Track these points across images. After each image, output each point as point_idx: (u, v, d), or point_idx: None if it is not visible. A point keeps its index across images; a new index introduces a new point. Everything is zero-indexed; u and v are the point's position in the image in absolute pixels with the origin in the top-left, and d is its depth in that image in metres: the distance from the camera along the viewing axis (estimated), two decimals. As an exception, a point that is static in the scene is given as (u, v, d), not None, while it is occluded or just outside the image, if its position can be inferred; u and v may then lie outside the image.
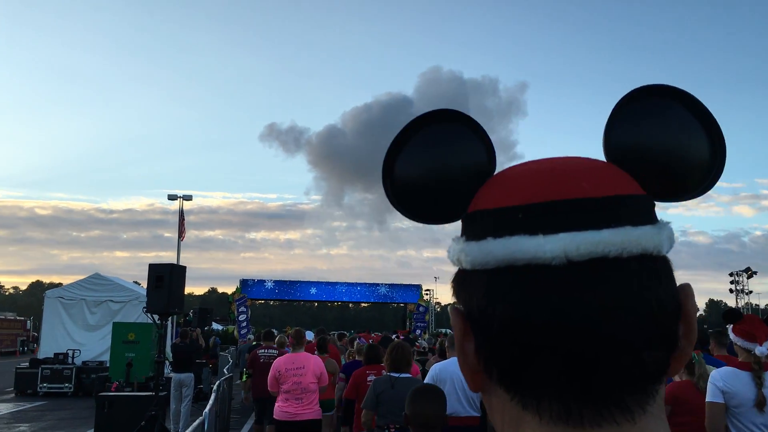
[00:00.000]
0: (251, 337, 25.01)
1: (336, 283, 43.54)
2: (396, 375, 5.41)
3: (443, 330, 37.78)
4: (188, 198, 29.83)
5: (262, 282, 41.24)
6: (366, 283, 43.74)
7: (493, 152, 0.63)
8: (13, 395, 19.11)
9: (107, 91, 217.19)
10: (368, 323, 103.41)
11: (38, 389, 18.75)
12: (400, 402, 3.72)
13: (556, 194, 0.55)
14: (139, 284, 24.93)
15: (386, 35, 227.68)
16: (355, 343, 11.19)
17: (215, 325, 39.53)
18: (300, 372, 7.28)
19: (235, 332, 36.26)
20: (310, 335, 12.43)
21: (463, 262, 0.59)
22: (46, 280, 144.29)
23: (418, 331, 37.08)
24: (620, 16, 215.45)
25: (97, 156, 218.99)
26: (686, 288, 0.58)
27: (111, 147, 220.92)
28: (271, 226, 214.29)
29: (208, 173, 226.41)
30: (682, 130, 0.59)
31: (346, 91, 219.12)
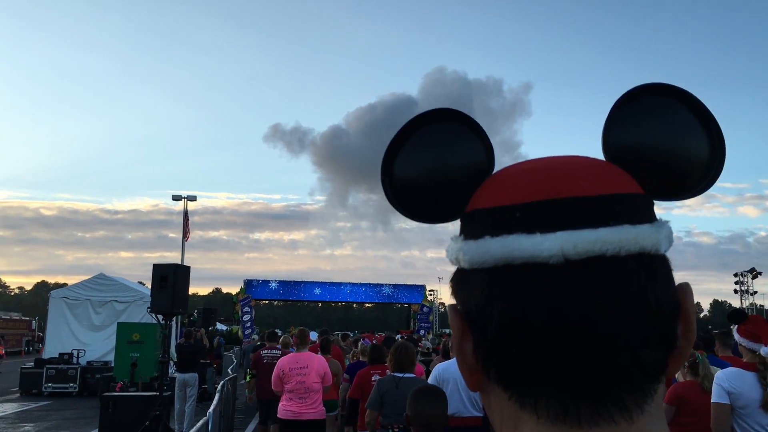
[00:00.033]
0: (255, 337, 25.05)
1: (340, 284, 43.60)
2: (400, 375, 5.42)
3: (447, 330, 37.80)
4: (192, 198, 29.91)
5: (266, 282, 41.33)
6: (370, 284, 43.79)
7: (492, 151, 0.63)
8: (18, 395, 19.17)
9: (111, 92, 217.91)
10: (372, 324, 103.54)
11: (43, 389, 18.81)
12: (404, 402, 3.72)
13: (554, 193, 0.55)
14: (144, 284, 24.95)
15: (390, 36, 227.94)
16: (360, 344, 11.20)
17: (219, 326, 39.63)
18: (304, 371, 7.29)
19: (240, 332, 36.33)
20: (314, 336, 12.44)
21: (461, 261, 0.59)
22: (51, 280, 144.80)
23: (421, 332, 37.08)
24: (625, 16, 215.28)
25: (101, 157, 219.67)
26: (685, 287, 0.58)
27: (115, 148, 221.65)
28: (275, 226, 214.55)
29: (212, 174, 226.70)
30: (681, 129, 0.59)
31: (350, 92, 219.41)
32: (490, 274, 0.56)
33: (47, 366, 19.05)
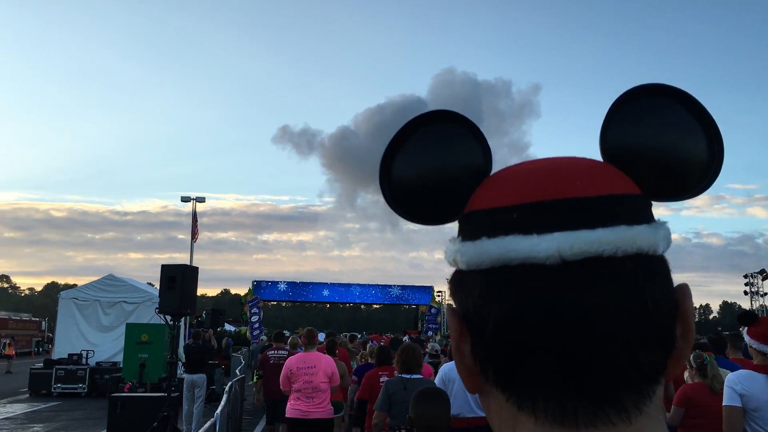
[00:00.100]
0: (264, 338, 25.06)
1: (348, 285, 43.62)
2: (407, 376, 5.44)
3: (455, 332, 37.62)
4: (201, 200, 29.99)
5: (275, 284, 41.42)
6: (378, 285, 43.80)
7: (490, 153, 0.63)
8: (27, 395, 19.27)
9: (121, 94, 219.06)
10: (380, 325, 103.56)
11: (52, 390, 18.91)
12: (411, 403, 3.74)
13: (551, 193, 0.55)
14: (153, 285, 25.06)
15: (399, 37, 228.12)
16: (368, 346, 11.20)
17: (228, 327, 39.76)
18: (311, 371, 7.32)
19: (248, 333, 36.42)
20: (321, 337, 12.45)
21: (459, 262, 0.59)
22: (62, 281, 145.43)
23: (429, 333, 37.09)
24: (634, 17, 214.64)
25: (111, 158, 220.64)
26: (684, 288, 0.58)
27: (125, 149, 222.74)
28: (284, 227, 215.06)
29: (221, 175, 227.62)
30: (680, 130, 0.58)
31: (359, 93, 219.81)
32: (488, 275, 0.56)
33: (56, 367, 19.15)
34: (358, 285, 43.69)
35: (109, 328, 20.75)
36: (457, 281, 0.60)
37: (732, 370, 4.54)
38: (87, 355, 19.62)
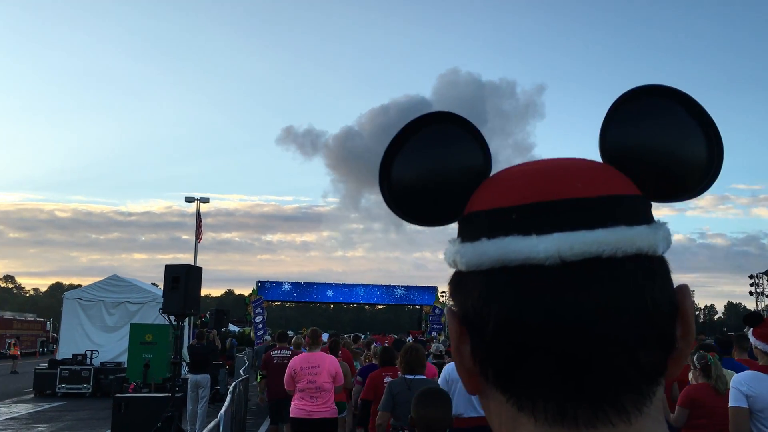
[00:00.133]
0: (268, 338, 25.09)
1: (353, 285, 43.63)
2: (411, 377, 5.45)
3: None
4: (205, 200, 30.08)
5: (279, 284, 41.41)
6: (382, 285, 43.80)
7: (489, 154, 0.63)
8: (32, 396, 19.33)
9: (125, 94, 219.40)
10: (384, 325, 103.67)
11: (57, 390, 18.97)
12: (415, 404, 3.74)
13: (550, 194, 0.55)
14: (157, 286, 25.09)
15: (404, 37, 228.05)
16: (372, 347, 11.22)
17: (232, 327, 39.76)
18: (315, 371, 7.33)
19: (252, 334, 36.42)
20: (325, 338, 12.48)
21: (459, 263, 0.59)
22: (66, 281, 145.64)
23: (433, 333, 37.08)
24: (639, 17, 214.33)
25: (115, 159, 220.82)
26: (684, 289, 0.57)
27: (129, 150, 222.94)
28: (288, 228, 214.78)
29: (224, 176, 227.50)
30: (679, 131, 0.59)
31: (363, 94, 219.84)
32: (487, 276, 0.56)
33: (61, 367, 19.22)
34: (363, 285, 43.67)
35: (114, 329, 20.81)
36: (457, 282, 0.60)
37: (738, 371, 4.53)
38: (91, 355, 19.68)
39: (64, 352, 20.48)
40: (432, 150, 0.62)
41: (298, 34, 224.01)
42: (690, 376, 5.20)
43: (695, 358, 4.96)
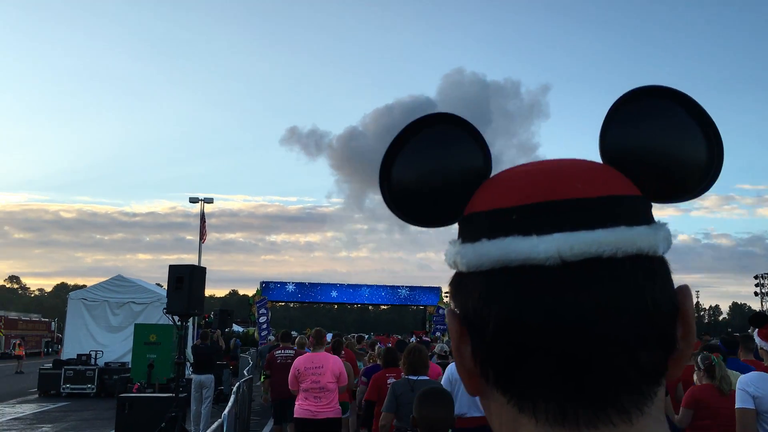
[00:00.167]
0: (272, 338, 25.10)
1: (357, 286, 43.64)
2: (414, 378, 5.45)
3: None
4: (209, 201, 30.17)
5: (283, 284, 41.47)
6: (387, 286, 43.80)
7: (490, 155, 0.63)
8: (36, 396, 19.38)
9: (129, 95, 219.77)
10: (388, 326, 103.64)
11: (61, 390, 19.01)
12: (418, 405, 3.73)
13: (550, 195, 0.55)
14: (161, 286, 25.14)
15: (408, 37, 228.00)
16: (377, 347, 11.22)
17: (236, 327, 39.79)
18: (319, 371, 7.34)
19: (256, 334, 36.44)
20: (330, 338, 12.49)
21: (459, 264, 0.59)
22: (71, 282, 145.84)
23: (437, 333, 37.05)
24: (644, 17, 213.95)
25: (120, 160, 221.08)
26: (684, 289, 0.57)
27: (134, 151, 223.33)
28: (292, 228, 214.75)
29: (229, 176, 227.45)
30: (679, 132, 0.59)
31: (367, 94, 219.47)
32: (488, 276, 0.56)
33: (65, 367, 19.25)
34: (367, 286, 43.68)
35: (118, 329, 20.84)
36: (457, 283, 0.60)
37: (744, 372, 4.51)
38: (96, 355, 19.72)
39: (68, 352, 20.53)
40: (432, 151, 0.62)
41: (302, 34, 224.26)
42: (695, 377, 5.19)
43: (699, 359, 4.95)
